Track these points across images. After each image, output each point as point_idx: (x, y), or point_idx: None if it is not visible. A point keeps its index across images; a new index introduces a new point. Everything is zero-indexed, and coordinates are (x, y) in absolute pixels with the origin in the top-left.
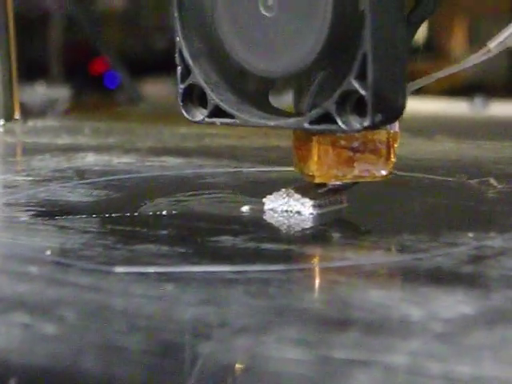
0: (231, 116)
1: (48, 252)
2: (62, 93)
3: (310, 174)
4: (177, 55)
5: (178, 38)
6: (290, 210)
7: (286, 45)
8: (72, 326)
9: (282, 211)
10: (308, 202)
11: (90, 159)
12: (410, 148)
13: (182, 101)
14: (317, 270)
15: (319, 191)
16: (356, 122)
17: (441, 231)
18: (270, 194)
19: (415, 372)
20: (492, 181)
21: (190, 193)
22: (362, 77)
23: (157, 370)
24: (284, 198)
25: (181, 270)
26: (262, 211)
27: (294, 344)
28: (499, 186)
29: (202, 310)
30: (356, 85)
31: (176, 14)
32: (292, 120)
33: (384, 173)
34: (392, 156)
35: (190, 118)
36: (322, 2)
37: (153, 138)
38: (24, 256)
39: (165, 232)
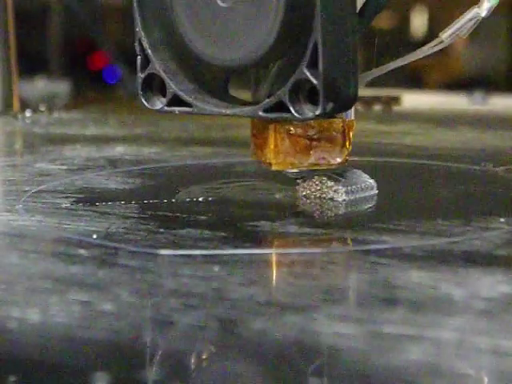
0: (189, 105)
1: (94, 236)
2: (61, 87)
3: (267, 161)
4: (136, 45)
5: (137, 28)
6: (323, 196)
7: (241, 35)
8: (128, 304)
9: (315, 198)
10: (341, 189)
11: (119, 149)
12: (433, 138)
13: (142, 90)
14: (356, 252)
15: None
16: (308, 110)
17: (472, 216)
18: (303, 181)
19: (464, 346)
20: None
21: (222, 181)
22: (313, 66)
23: (213, 344)
24: (317, 184)
25: (225, 253)
26: (296, 198)
27: (343, 320)
28: None
29: (250, 290)
30: (307, 74)
31: (135, 5)
32: (247, 108)
33: (339, 160)
34: (347, 144)
35: (149, 107)
36: None
37: (177, 129)
38: (72, 240)
39: (204, 217)
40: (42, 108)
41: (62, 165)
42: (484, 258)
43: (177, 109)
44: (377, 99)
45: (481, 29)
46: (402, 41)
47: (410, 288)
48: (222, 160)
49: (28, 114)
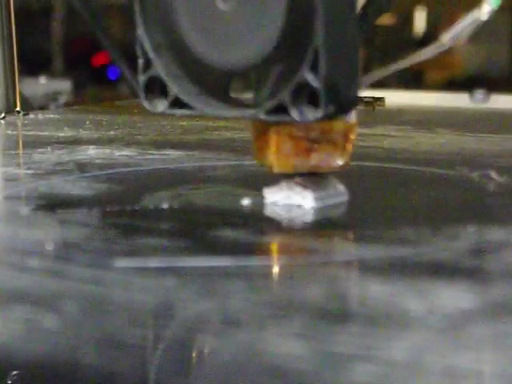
0: (190, 107)
1: (49, 245)
2: (63, 85)
3: (269, 164)
4: (138, 47)
5: (139, 31)
6: (291, 203)
7: (243, 38)
8: (72, 320)
9: (283, 204)
10: (309, 195)
11: (91, 152)
12: (411, 141)
13: (144, 92)
14: (317, 264)
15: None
16: (309, 113)
17: (442, 224)
18: (271, 187)
19: (414, 367)
20: (493, 174)
21: (191, 186)
22: (314, 69)
23: (156, 365)
24: (285, 190)
25: (181, 264)
26: (263, 204)
27: (295, 338)
28: (500, 179)
29: (202, 304)
30: (308, 77)
31: (137, 8)
32: (249, 111)
33: (340, 162)
34: (348, 146)
35: (150, 109)
36: None
37: (154, 131)
38: (25, 249)
39: (166, 225)
40: (18, 108)
41: (29, 169)
42: (449, 269)
43: (178, 111)
44: (359, 100)
45: (481, 28)
46: (404, 39)
47: (366, 303)
48: (194, 164)
49: (2, 115)
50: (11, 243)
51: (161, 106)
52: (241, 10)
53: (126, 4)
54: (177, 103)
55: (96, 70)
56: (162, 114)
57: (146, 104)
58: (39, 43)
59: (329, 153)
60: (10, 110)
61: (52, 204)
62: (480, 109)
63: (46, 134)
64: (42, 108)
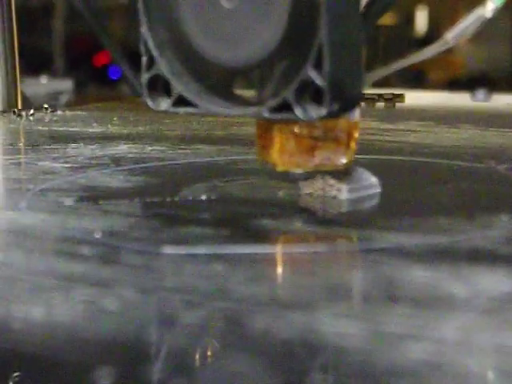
0: (194, 105)
1: (98, 234)
2: (65, 85)
3: (272, 162)
4: (141, 45)
5: (142, 29)
6: (326, 194)
7: (247, 35)
8: (131, 303)
9: (318, 196)
10: (343, 187)
11: (123, 147)
12: (435, 136)
13: (147, 90)
14: (359, 251)
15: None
16: (313, 111)
17: (475, 214)
18: (305, 179)
19: (465, 345)
20: None
21: (226, 179)
22: (318, 66)
23: (216, 343)
24: (320, 183)
25: (228, 251)
26: (299, 196)
27: (348, 319)
28: None
29: (253, 288)
30: (312, 74)
31: (141, 5)
32: (253, 109)
33: (344, 161)
34: (352, 144)
35: (154, 107)
36: None
37: (181, 127)
38: (75, 238)
39: (207, 215)
40: (46, 105)
41: (65, 163)
42: (486, 256)
43: (182, 109)
44: (380, 96)
45: (484, 27)
46: (406, 39)
47: (412, 287)
48: (225, 158)
49: (31, 111)
50: (62, 233)
51: (164, 104)
52: (244, 7)
53: (126, 3)
54: (180, 101)
55: (97, 69)
56: (165, 113)
57: (149, 102)
58: (40, 43)
59: (332, 151)
60: (11, 108)
61: (94, 195)
62: (491, 107)
63: (77, 129)
64: (46, 108)
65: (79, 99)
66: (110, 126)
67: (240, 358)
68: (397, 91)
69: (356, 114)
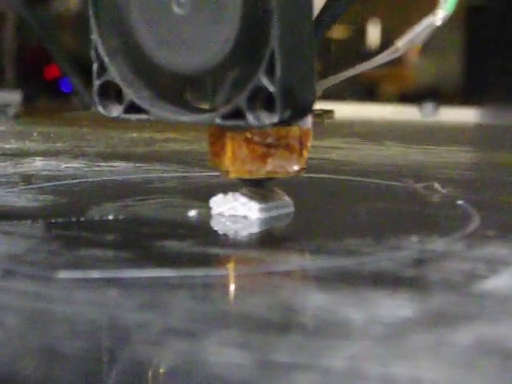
0: (146, 112)
1: None
2: (13, 97)
3: (225, 169)
4: (92, 52)
5: (93, 35)
6: (236, 214)
7: (198, 42)
8: (13, 332)
9: (228, 215)
10: (254, 206)
11: (37, 164)
12: (359, 153)
13: (98, 97)
14: (261, 274)
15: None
16: (266, 118)
17: (385, 235)
18: (217, 198)
19: (354, 375)
20: (436, 185)
21: (138, 198)
22: (270, 73)
23: (96, 375)
24: (231, 202)
25: (125, 276)
26: (209, 216)
27: (235, 348)
28: (443, 191)
29: (145, 315)
30: (264, 81)
31: (91, 12)
32: (205, 116)
33: (296, 168)
34: (304, 152)
35: (105, 114)
36: (232, 1)
37: (102, 143)
38: None
39: (110, 237)
40: None
41: None
42: (390, 279)
43: (134, 116)
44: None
45: (433, 40)
46: (358, 53)
47: (308, 312)
48: (142, 176)
49: None
50: None
51: (115, 111)
52: (196, 14)
53: (77, 14)
54: (132, 108)
55: (49, 82)
56: (116, 120)
57: (100, 109)
58: None
59: (285, 158)
60: None
61: None
62: (429, 122)
63: None
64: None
65: (28, 112)
66: (27, 141)
67: None
68: (328, 106)
69: (308, 121)
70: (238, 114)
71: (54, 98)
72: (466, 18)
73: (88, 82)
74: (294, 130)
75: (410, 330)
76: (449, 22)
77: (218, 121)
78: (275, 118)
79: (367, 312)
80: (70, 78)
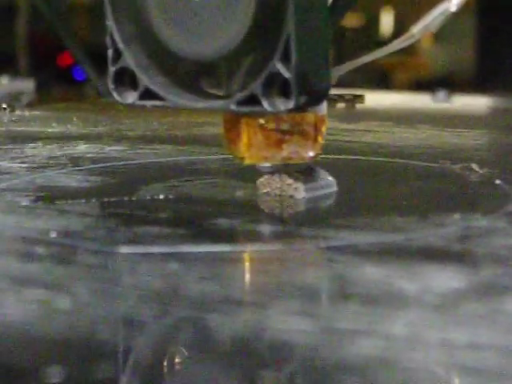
0: (161, 98)
1: (53, 234)
2: (27, 85)
3: (240, 155)
4: (108, 38)
5: (108, 22)
6: (283, 194)
7: (213, 28)
8: (85, 302)
9: (275, 195)
10: (300, 187)
11: (81, 147)
12: (393, 136)
13: (114, 83)
14: (314, 249)
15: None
16: (281, 104)
17: (429, 213)
18: (264, 179)
19: (414, 340)
20: (474, 166)
21: (184, 178)
22: (285, 59)
23: (167, 340)
24: (277, 182)
25: (183, 251)
26: (256, 196)
27: (298, 316)
28: (481, 171)
29: (207, 287)
30: (280, 67)
31: None
32: (220, 102)
33: (312, 154)
34: (319, 138)
35: (121, 101)
36: None
37: (141, 127)
38: (30, 238)
39: (163, 215)
40: (4, 105)
41: (23, 163)
42: (438, 254)
43: (148, 103)
44: (340, 97)
45: (446, 28)
46: (371, 41)
47: (364, 284)
48: (185, 158)
49: None
50: (17, 232)
51: (131, 97)
52: (211, 0)
53: (90, 3)
54: (147, 95)
55: (62, 70)
56: (131, 106)
57: (115, 95)
58: (2, 42)
59: (300, 144)
60: None
61: (50, 195)
62: (445, 108)
63: (36, 129)
64: (4, 108)
65: (42, 100)
66: (69, 126)
67: (195, 355)
68: (358, 92)
69: (323, 107)
70: (253, 100)
71: (67, 85)
72: (479, 4)
73: (101, 70)
74: (309, 116)
75: (462, 300)
76: (462, 8)
77: (233, 107)
78: (290, 104)
79: (420, 283)
80: (83, 66)
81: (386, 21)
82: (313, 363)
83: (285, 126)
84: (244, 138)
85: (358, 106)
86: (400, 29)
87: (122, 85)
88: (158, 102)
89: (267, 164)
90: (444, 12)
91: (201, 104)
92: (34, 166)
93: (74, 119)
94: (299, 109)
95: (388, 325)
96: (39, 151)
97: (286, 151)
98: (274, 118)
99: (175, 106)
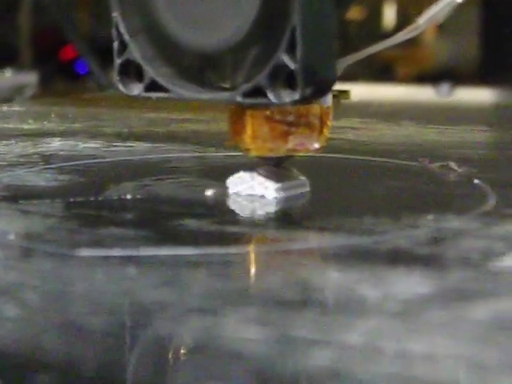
0: (167, 90)
1: (11, 236)
2: (30, 78)
3: (245, 147)
4: (113, 30)
5: (114, 14)
6: (253, 193)
7: (219, 20)
8: (34, 309)
9: (245, 195)
10: (271, 186)
11: (55, 144)
12: (375, 133)
13: (119, 75)
14: (279, 252)
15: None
16: (286, 96)
17: (402, 214)
18: (234, 177)
19: (371, 350)
20: (452, 165)
21: (156, 177)
22: (291, 51)
23: (117, 350)
24: (247, 181)
25: (144, 254)
26: (226, 195)
27: (253, 324)
28: (459, 170)
29: (163, 292)
30: (285, 59)
31: None
32: (225, 94)
33: (317, 146)
34: (325, 130)
35: (126, 93)
36: None
37: (120, 123)
38: None
39: (129, 216)
40: None
41: None
42: (407, 257)
43: (154, 94)
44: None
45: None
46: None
47: (325, 289)
48: (160, 156)
49: None
50: None
51: (136, 89)
52: None
53: None
54: (152, 86)
55: (64, 63)
56: (136, 98)
57: (120, 87)
58: (5, 36)
59: (306, 136)
60: None
61: (15, 195)
62: (445, 102)
63: (11, 126)
64: (8, 101)
65: (45, 93)
66: (46, 122)
67: (144, 363)
68: (344, 87)
69: (329, 99)
70: (258, 91)
71: (69, 79)
72: None
73: (104, 64)
74: (315, 107)
75: (426, 307)
76: (466, 1)
77: (238, 99)
78: (296, 96)
79: (384, 289)
80: (86, 60)
81: (390, 13)
82: (265, 374)
83: (290, 118)
84: (249, 130)
85: (343, 101)
86: (404, 21)
87: (127, 77)
88: (163, 94)
89: (273, 155)
90: (450, 3)
91: (206, 96)
92: (4, 164)
93: (52, 115)
94: (305, 100)
95: (345, 334)
96: (11, 149)
97: (292, 143)
98: (280, 110)
99: (181, 98)
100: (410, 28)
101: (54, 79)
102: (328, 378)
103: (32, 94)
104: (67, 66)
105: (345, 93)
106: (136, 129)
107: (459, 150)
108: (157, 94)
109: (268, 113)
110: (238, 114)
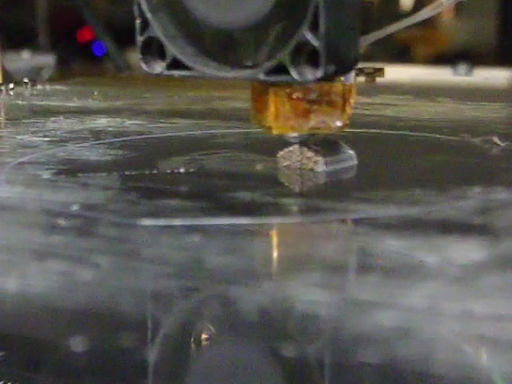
0: (189, 68)
1: (75, 207)
2: (47, 60)
3: (267, 125)
4: (135, 8)
5: None
6: (302, 167)
7: None
8: (106, 273)
9: (295, 168)
10: (320, 160)
11: (102, 121)
12: (413, 109)
13: (141, 53)
14: (332, 222)
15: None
16: (309, 73)
17: (449, 186)
18: (283, 152)
19: (433, 312)
20: (495, 139)
21: (204, 152)
22: (314, 28)
23: (185, 312)
24: (297, 155)
25: (204, 223)
26: (276, 169)
27: (319, 288)
28: (502, 144)
29: (228, 259)
30: (308, 36)
31: None
32: (248, 71)
33: (339, 124)
34: (347, 108)
35: (148, 71)
36: None
37: (161, 102)
38: (52, 211)
39: (184, 188)
40: (26, 80)
41: (45, 137)
42: (458, 226)
43: (176, 72)
44: (360, 71)
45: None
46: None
47: (384, 256)
48: (204, 132)
49: (11, 85)
50: (39, 205)
51: (158, 67)
52: None
53: None
54: (175, 64)
55: (81, 45)
56: (159, 76)
57: (143, 65)
58: (23, 18)
59: (328, 114)
60: None
61: (72, 169)
62: (466, 81)
63: (57, 104)
64: (26, 82)
65: (62, 75)
66: (90, 100)
67: (217, 327)
68: (378, 65)
69: (351, 77)
70: (281, 69)
71: (86, 61)
72: None
73: (121, 46)
74: (337, 85)
75: (483, 272)
76: None
77: (261, 76)
78: (319, 74)
79: (440, 255)
80: (103, 41)
81: None
82: (334, 335)
83: (313, 96)
84: (271, 108)
85: (378, 79)
86: (421, 2)
87: (149, 55)
88: (185, 72)
89: (295, 134)
90: None
91: (229, 73)
92: (56, 139)
93: (95, 93)
94: (327, 78)
95: (408, 297)
96: (60, 125)
97: (314, 121)
98: (302, 88)
99: (203, 76)
100: (433, 5)
101: (71, 61)
102: (396, 338)
103: (49, 75)
104: (84, 47)
105: (380, 70)
106: (177, 106)
107: (498, 125)
108: (179, 72)
109: (290, 91)
110: (260, 92)
